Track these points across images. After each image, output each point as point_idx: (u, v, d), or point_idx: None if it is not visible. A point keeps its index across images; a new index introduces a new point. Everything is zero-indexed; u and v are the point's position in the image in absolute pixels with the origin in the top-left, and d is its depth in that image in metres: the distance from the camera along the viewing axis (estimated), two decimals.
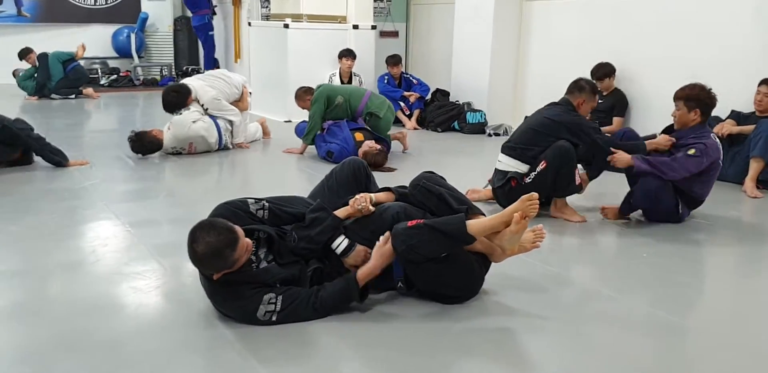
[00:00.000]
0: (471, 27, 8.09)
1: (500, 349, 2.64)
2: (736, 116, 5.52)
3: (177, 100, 6.20)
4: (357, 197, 3.04)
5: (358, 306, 2.90)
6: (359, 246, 2.96)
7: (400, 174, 5.60)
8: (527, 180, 4.30)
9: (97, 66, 11.94)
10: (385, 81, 8.27)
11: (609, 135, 4.69)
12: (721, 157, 4.25)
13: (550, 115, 4.38)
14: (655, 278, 3.43)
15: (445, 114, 8.00)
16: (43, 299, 3.07)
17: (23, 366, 2.44)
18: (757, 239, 4.17)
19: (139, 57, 12.31)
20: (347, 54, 8.05)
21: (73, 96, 10.06)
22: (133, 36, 12.03)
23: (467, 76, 8.22)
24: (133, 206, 4.60)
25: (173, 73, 12.46)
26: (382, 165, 5.70)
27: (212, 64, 11.39)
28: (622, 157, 4.19)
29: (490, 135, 7.63)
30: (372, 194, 3.10)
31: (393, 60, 8.32)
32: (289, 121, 8.12)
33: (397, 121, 8.05)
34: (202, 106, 6.26)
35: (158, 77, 12.28)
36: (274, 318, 2.72)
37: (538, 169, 4.27)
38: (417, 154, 6.48)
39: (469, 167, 6.04)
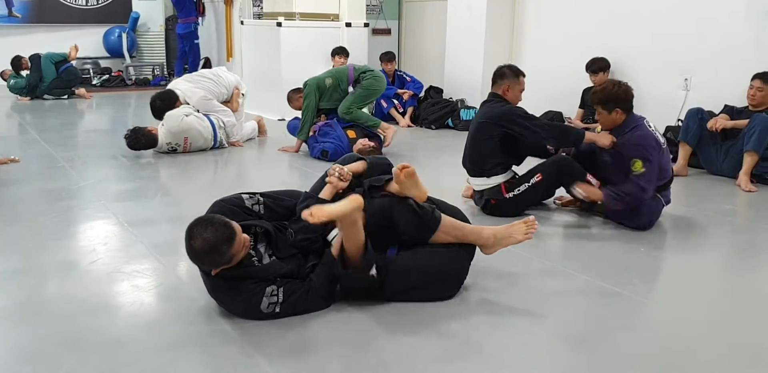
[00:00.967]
0: (464, 23, 8.11)
1: (503, 346, 2.66)
2: (730, 111, 5.55)
3: (164, 105, 6.20)
4: (329, 169, 3.03)
5: (358, 301, 2.91)
6: None
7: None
8: (515, 192, 4.25)
9: (88, 66, 11.90)
10: None
11: (537, 117, 4.49)
12: (662, 142, 4.04)
13: (479, 118, 4.35)
14: (653, 271, 3.46)
15: (438, 111, 8.02)
16: (44, 298, 3.07)
17: (26, 365, 2.44)
18: (752, 233, 4.21)
19: (131, 57, 12.28)
20: (340, 52, 8.06)
21: (66, 96, 10.03)
22: (124, 36, 12.00)
23: (460, 72, 8.24)
24: (131, 204, 4.60)
25: (165, 72, 12.44)
26: None
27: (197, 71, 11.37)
28: (592, 192, 4.10)
29: None
30: (347, 166, 3.08)
31: (387, 57, 8.33)
32: (283, 119, 8.11)
33: (391, 119, 8.07)
34: (193, 107, 6.29)
35: (150, 77, 12.25)
36: (277, 309, 2.73)
37: (532, 181, 4.23)
38: (411, 153, 6.49)
39: None
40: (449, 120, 7.95)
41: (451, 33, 8.32)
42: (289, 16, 8.31)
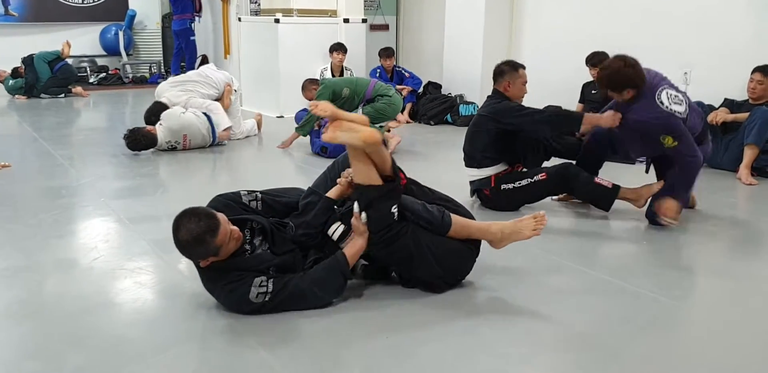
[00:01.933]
0: (462, 19, 8.10)
1: (507, 336, 2.66)
2: (730, 104, 5.55)
3: (158, 118, 6.20)
4: (344, 172, 3.02)
5: (359, 296, 2.91)
6: None
7: None
8: (514, 185, 4.24)
9: (85, 64, 11.85)
10: (377, 74, 8.26)
11: (532, 108, 4.39)
12: (675, 110, 3.81)
13: (479, 112, 4.41)
14: (657, 265, 3.46)
15: (437, 107, 8.01)
16: (47, 296, 3.07)
17: (34, 361, 2.43)
18: (754, 226, 4.21)
19: (128, 55, 12.23)
20: (338, 48, 8.04)
21: (63, 95, 9.99)
22: (121, 34, 11.95)
23: (459, 68, 8.23)
24: (131, 202, 4.59)
25: (162, 70, 12.40)
26: None
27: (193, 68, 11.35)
28: (673, 209, 3.88)
29: None
30: None
31: (386, 53, 8.31)
32: (281, 116, 8.10)
33: None
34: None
35: (147, 75, 12.21)
36: (267, 298, 2.71)
37: (536, 178, 4.22)
38: (411, 149, 6.48)
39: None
40: (448, 116, 7.94)
41: (450, 28, 8.31)
42: (287, 12, 8.29)
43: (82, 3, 12.09)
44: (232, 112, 6.67)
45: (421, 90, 8.47)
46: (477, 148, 4.33)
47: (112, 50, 12.16)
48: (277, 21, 8.15)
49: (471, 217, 3.12)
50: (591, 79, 6.65)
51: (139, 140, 5.96)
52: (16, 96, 9.81)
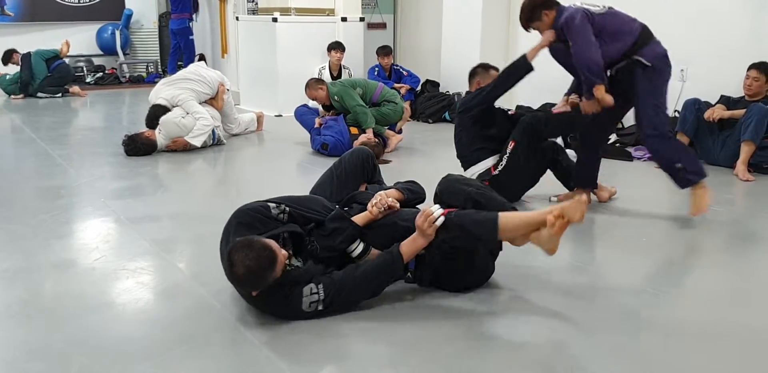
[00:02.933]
0: (459, 17, 8.10)
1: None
2: (726, 101, 5.57)
3: (155, 112, 6.19)
4: (374, 201, 2.97)
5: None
6: (374, 250, 2.96)
7: (395, 166, 5.64)
8: (499, 168, 4.29)
9: (82, 64, 11.84)
10: (375, 73, 8.27)
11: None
12: (592, 10, 4.15)
13: (454, 116, 4.58)
14: (655, 262, 3.48)
15: (436, 105, 8.02)
16: (49, 296, 3.08)
17: (38, 362, 2.44)
18: (752, 222, 4.23)
19: (125, 54, 12.22)
20: (336, 47, 8.04)
21: (60, 95, 9.98)
22: (117, 33, 11.93)
23: (457, 66, 8.19)
24: (131, 202, 4.59)
25: (159, 69, 12.39)
26: (379, 157, 5.71)
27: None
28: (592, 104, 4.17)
29: None
30: (384, 193, 3.03)
31: (384, 51, 8.31)
32: (280, 115, 8.10)
33: None
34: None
35: (144, 74, 12.20)
36: (320, 307, 2.69)
37: (508, 150, 4.27)
38: (410, 146, 6.49)
39: None
40: (446, 113, 7.94)
41: (447, 26, 8.31)
42: (285, 11, 8.29)
43: (79, 2, 12.06)
44: (225, 110, 6.67)
45: (419, 88, 8.48)
46: (465, 145, 4.47)
47: (108, 50, 12.14)
48: (274, 20, 8.15)
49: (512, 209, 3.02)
50: None
51: (138, 148, 5.92)
52: (12, 96, 9.80)
